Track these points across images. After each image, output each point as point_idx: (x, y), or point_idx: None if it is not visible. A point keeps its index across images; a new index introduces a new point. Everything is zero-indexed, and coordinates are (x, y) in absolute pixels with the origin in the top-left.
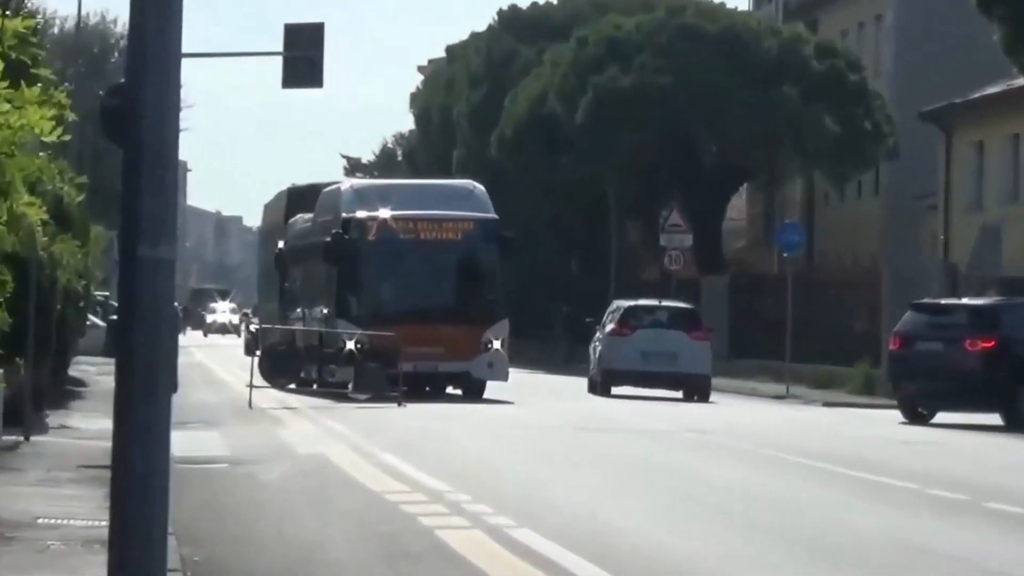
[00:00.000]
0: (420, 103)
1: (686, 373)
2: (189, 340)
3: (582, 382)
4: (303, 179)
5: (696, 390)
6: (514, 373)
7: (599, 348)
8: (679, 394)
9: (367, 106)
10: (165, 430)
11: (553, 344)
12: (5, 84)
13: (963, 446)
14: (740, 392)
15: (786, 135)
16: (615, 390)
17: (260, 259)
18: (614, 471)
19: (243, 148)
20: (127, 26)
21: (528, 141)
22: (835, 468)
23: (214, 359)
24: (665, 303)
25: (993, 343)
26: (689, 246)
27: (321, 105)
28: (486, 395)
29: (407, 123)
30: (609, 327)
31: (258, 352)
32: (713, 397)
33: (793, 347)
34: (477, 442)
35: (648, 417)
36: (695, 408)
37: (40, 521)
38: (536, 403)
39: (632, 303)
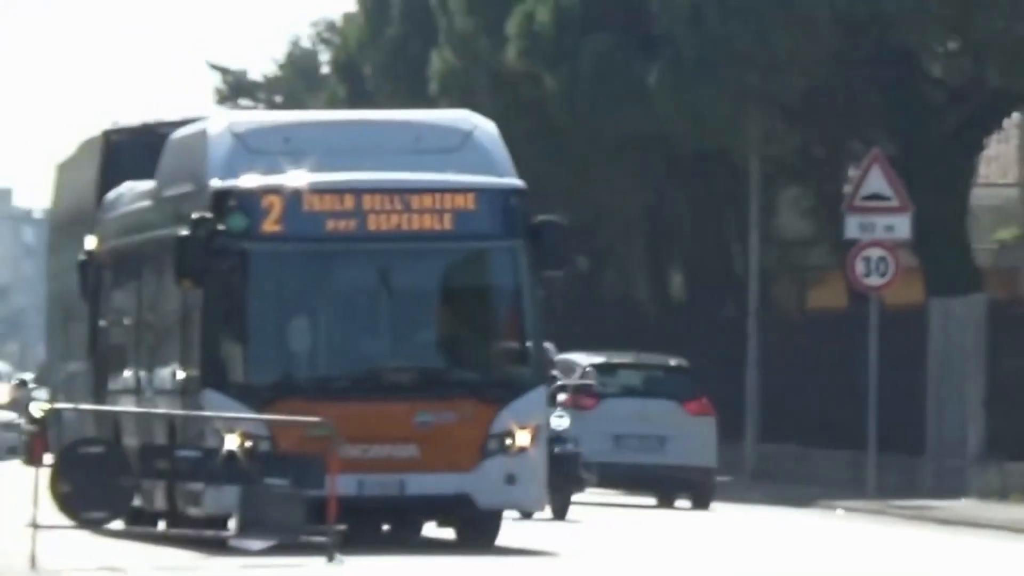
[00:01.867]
0: None
1: (683, 466)
2: None
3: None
4: (135, 115)
5: (694, 490)
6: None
7: None
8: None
9: None
10: None
11: None
12: None
13: None
14: (1005, 525)
15: None
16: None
17: (50, 275)
18: None
19: (18, 51)
20: None
21: (583, 36)
22: None
23: None
24: (644, 358)
25: None
26: (906, 239)
27: None
28: (500, 539)
29: (340, 1)
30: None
31: (49, 458)
32: (973, 534)
33: None
34: None
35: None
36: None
37: None
38: (602, 549)
39: (595, 359)
